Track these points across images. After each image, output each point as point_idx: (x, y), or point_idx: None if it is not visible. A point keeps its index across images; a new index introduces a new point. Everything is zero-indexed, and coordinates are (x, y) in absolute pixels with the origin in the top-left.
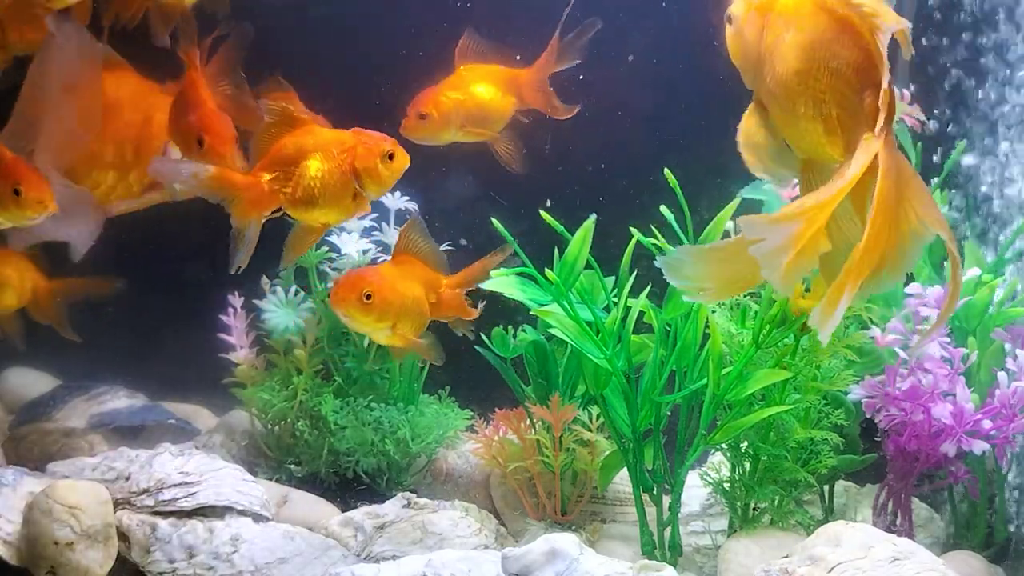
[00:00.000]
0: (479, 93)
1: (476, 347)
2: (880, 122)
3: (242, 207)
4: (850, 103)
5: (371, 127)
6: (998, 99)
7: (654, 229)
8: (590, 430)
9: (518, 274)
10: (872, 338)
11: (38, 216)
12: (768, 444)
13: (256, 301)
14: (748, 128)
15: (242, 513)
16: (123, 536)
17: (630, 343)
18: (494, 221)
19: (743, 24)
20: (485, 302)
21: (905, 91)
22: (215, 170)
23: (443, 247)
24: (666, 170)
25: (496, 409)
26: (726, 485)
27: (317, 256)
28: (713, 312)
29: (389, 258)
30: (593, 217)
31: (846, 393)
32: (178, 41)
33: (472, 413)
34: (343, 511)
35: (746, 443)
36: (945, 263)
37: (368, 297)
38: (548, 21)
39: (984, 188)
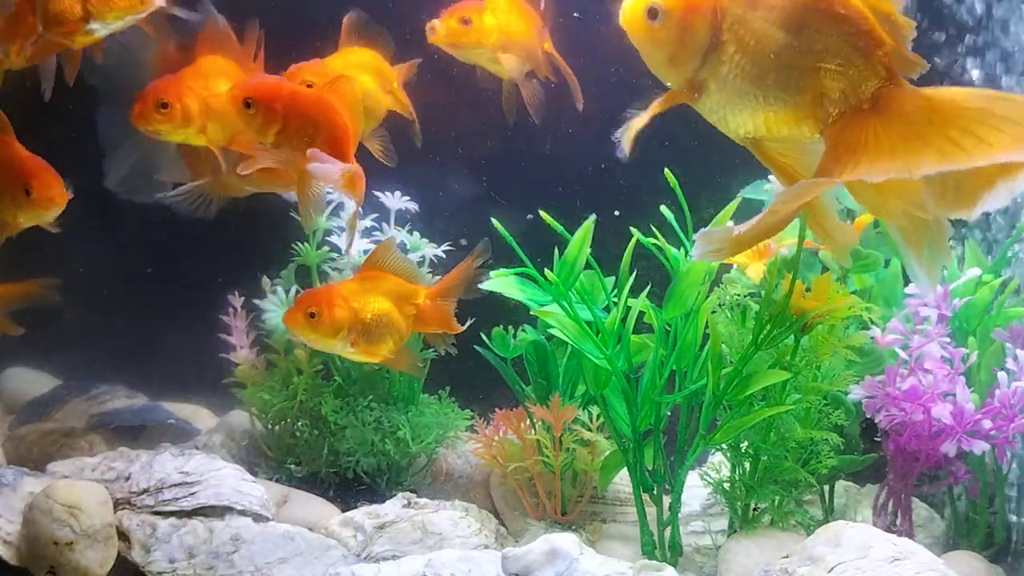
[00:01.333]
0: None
1: (476, 347)
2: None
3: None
4: (851, 68)
5: None
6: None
7: (654, 229)
8: (590, 430)
9: (518, 274)
10: (872, 338)
11: (51, 214)
12: (768, 444)
13: (256, 301)
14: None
15: (242, 513)
16: (123, 536)
17: (630, 343)
18: (494, 221)
19: (681, 13)
20: (473, 319)
21: None
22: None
23: (443, 247)
24: (666, 170)
25: (496, 409)
26: (726, 485)
27: (318, 256)
28: (713, 312)
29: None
30: (593, 217)
31: (846, 393)
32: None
33: (472, 413)
34: (343, 511)
35: (746, 443)
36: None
37: (313, 315)
38: None
39: None
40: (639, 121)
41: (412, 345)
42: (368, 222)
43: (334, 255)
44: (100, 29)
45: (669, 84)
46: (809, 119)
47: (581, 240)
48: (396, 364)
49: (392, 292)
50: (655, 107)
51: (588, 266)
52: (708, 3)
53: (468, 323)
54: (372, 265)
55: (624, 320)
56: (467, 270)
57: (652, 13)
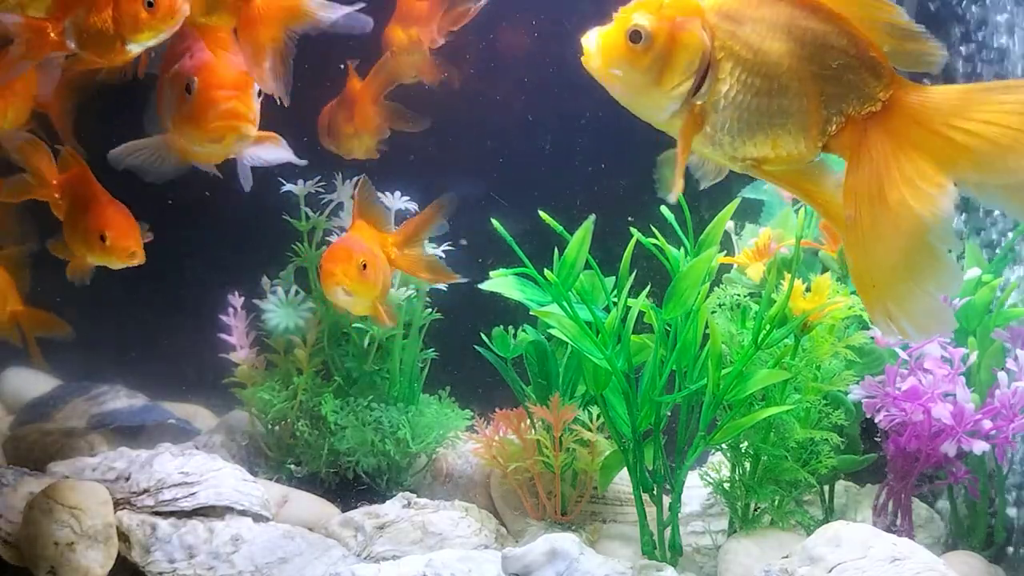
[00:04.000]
0: None
1: (476, 347)
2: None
3: None
4: (848, 73)
5: None
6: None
7: (654, 229)
8: (590, 430)
9: (517, 274)
10: (872, 338)
11: (124, 264)
12: (768, 444)
13: (256, 301)
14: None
15: (242, 513)
16: (123, 536)
17: (630, 343)
18: (494, 221)
19: (670, 32)
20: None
21: None
22: None
23: (443, 247)
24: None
25: (496, 409)
26: (726, 485)
27: (317, 256)
28: (713, 312)
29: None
30: (592, 217)
31: (846, 393)
32: None
33: (472, 413)
34: (343, 511)
35: (746, 443)
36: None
37: (364, 267)
38: None
39: None
40: (679, 165)
41: (412, 344)
42: None
43: None
44: (135, 48)
45: (647, 117)
46: (812, 130)
47: (580, 240)
48: (383, 314)
49: (378, 241)
50: (682, 149)
51: (588, 266)
52: (695, 21)
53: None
54: (362, 214)
55: (624, 320)
56: (429, 217)
57: (635, 36)
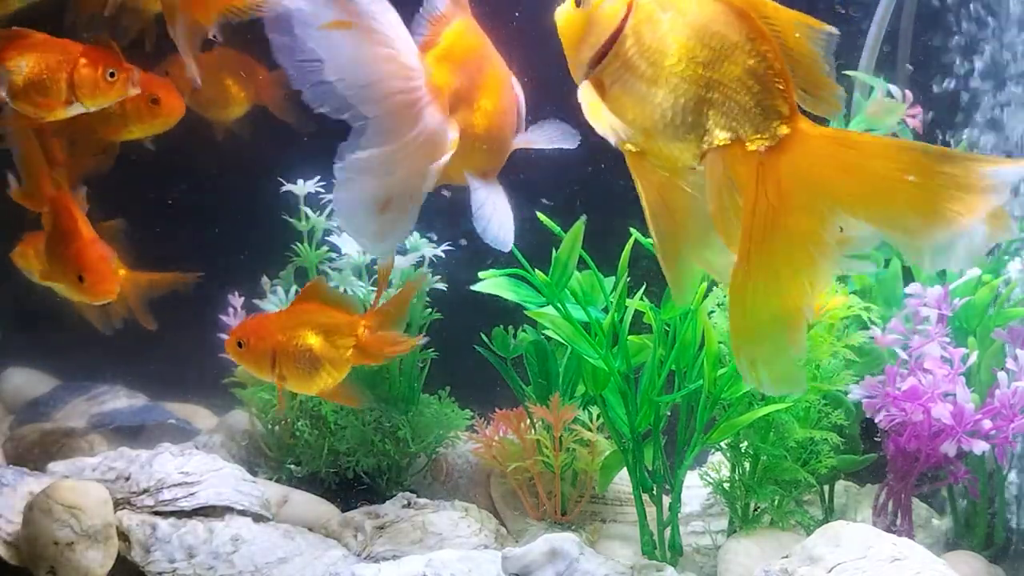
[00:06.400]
0: None
1: (476, 347)
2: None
3: None
4: (747, 95)
5: None
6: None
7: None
8: (590, 430)
9: (509, 275)
10: (872, 338)
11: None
12: (768, 444)
13: (256, 301)
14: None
15: (242, 513)
16: (123, 536)
17: (628, 343)
18: None
19: (602, 4)
20: (427, 339)
21: (907, 91)
22: None
23: (443, 247)
24: None
25: (496, 409)
26: (726, 485)
27: (317, 256)
28: (711, 312)
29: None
30: (583, 218)
31: (846, 393)
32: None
33: (472, 413)
34: (343, 511)
35: (746, 443)
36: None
37: (240, 345)
38: None
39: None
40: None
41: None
42: None
43: (332, 255)
44: (79, 108)
45: (574, 78)
46: (689, 135)
47: (572, 241)
48: (334, 397)
49: (324, 325)
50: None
51: (587, 267)
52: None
53: (422, 338)
54: (305, 298)
55: (621, 320)
56: (405, 298)
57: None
